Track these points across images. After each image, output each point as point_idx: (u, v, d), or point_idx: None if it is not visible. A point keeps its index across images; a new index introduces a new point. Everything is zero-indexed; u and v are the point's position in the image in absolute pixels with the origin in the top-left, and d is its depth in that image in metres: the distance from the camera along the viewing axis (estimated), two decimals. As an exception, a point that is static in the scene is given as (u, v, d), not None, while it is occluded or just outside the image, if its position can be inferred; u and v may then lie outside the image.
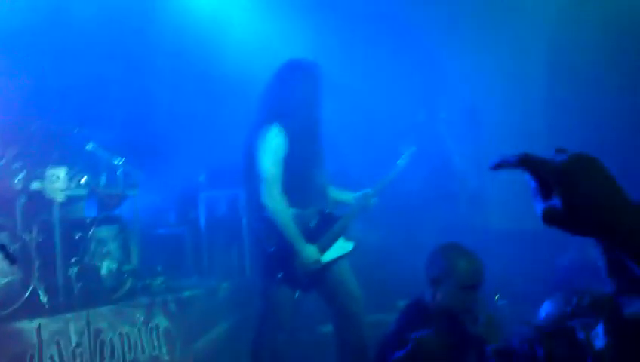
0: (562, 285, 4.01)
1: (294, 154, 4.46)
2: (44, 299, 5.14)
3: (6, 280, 4.97)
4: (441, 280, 3.30)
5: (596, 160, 1.16)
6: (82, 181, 5.74)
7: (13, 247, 5.00)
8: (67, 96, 6.57)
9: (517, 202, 6.40)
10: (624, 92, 5.76)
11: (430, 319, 3.28)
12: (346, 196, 4.88)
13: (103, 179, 5.93)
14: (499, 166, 1.21)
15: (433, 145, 5.67)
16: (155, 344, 5.43)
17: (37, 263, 5.13)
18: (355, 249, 4.69)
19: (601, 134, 5.76)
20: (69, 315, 5.02)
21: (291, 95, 4.51)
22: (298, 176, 4.49)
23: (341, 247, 4.65)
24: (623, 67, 5.79)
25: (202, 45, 7.36)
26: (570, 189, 1.14)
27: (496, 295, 5.47)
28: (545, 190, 1.17)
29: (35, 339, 4.77)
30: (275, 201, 4.39)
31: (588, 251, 3.73)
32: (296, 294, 4.53)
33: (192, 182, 7.01)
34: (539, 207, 1.17)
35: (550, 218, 1.15)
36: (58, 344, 4.86)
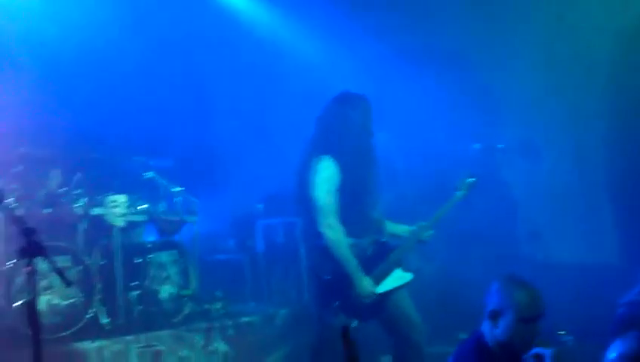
0: (624, 322, 3.91)
1: (347, 184, 4.51)
2: (104, 321, 5.26)
3: (68, 302, 5.10)
4: (501, 312, 3.25)
5: None
6: (142, 207, 5.87)
7: (75, 270, 5.14)
8: (127, 124, 6.72)
9: (577, 235, 6.36)
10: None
11: (490, 355, 3.25)
12: (402, 229, 4.88)
13: (162, 206, 6.05)
14: None
15: (490, 177, 5.63)
16: (215, 369, 5.49)
17: (98, 286, 5.26)
18: (412, 280, 4.68)
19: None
20: (129, 337, 5.12)
21: (343, 126, 4.58)
22: (352, 205, 4.53)
23: (399, 278, 4.65)
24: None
25: (261, 72, 7.47)
26: None
27: (561, 331, 5.38)
28: None
29: (95, 360, 4.86)
30: (333, 230, 4.43)
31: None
32: (354, 323, 4.52)
33: (249, 210, 7.09)
34: None
35: None
36: (116, 363, 4.95)
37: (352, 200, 4.53)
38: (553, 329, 5.22)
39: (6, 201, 4.19)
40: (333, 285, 4.50)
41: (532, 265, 5.03)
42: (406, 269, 4.71)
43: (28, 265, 3.04)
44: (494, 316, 3.25)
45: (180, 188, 6.10)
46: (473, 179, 4.91)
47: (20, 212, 4.82)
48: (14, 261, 4.85)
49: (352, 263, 4.43)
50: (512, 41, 6.83)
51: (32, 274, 3.03)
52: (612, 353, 2.00)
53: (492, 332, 3.27)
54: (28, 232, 3.10)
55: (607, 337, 3.84)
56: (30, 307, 3.01)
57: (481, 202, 5.76)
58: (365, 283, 4.46)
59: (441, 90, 6.82)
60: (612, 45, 6.44)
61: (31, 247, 3.05)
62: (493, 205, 6.28)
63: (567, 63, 6.55)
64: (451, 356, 3.39)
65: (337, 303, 4.50)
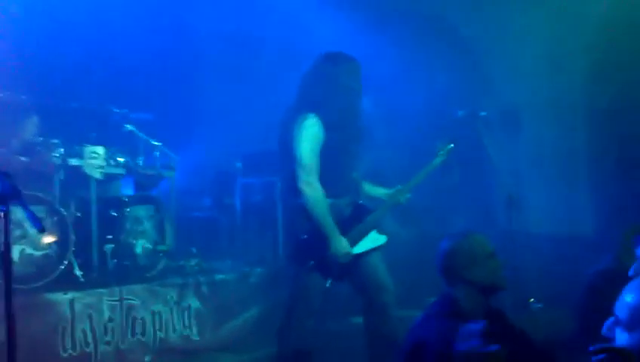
0: (593, 291, 3.96)
1: (331, 144, 4.49)
2: (78, 273, 5.24)
3: (42, 253, 5.06)
4: (472, 259, 3.25)
5: None
6: (120, 160, 5.82)
7: (50, 221, 5.09)
8: (108, 77, 6.65)
9: (553, 206, 6.41)
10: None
11: (460, 312, 3.26)
12: (380, 191, 4.90)
13: (140, 160, 6.01)
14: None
15: (470, 144, 5.63)
16: (186, 323, 5.50)
17: (73, 238, 5.21)
18: (387, 243, 4.70)
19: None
20: (102, 290, 5.10)
21: (331, 86, 4.55)
22: (333, 166, 4.52)
23: (374, 239, 4.66)
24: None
25: (243, 30, 7.40)
26: None
27: (530, 298, 5.46)
28: None
29: (68, 312, 4.85)
30: (312, 188, 4.42)
31: (624, 259, 3.69)
32: (328, 283, 4.55)
33: (228, 168, 7.06)
34: None
35: None
36: (90, 317, 4.94)
37: (334, 160, 4.52)
38: (525, 297, 5.31)
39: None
40: (309, 244, 4.51)
41: (508, 233, 5.05)
42: (381, 232, 4.72)
43: (3, 209, 3.00)
44: (468, 267, 3.24)
45: (159, 143, 6.07)
46: (451, 145, 4.92)
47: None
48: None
49: (328, 222, 4.43)
50: (498, 9, 6.80)
51: (7, 219, 3.00)
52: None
53: (462, 286, 3.26)
54: (2, 176, 3.06)
55: (575, 305, 3.90)
56: (5, 254, 2.98)
57: (459, 169, 5.79)
58: (341, 243, 4.47)
59: (425, 57, 6.79)
60: (596, 27, 6.44)
61: (5, 191, 3.02)
62: (472, 172, 6.30)
63: (554, 35, 6.54)
64: (419, 319, 3.40)
65: (312, 262, 4.52)
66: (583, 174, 6.47)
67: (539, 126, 6.64)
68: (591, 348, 1.81)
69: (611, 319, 2.06)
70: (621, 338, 1.75)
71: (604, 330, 1.90)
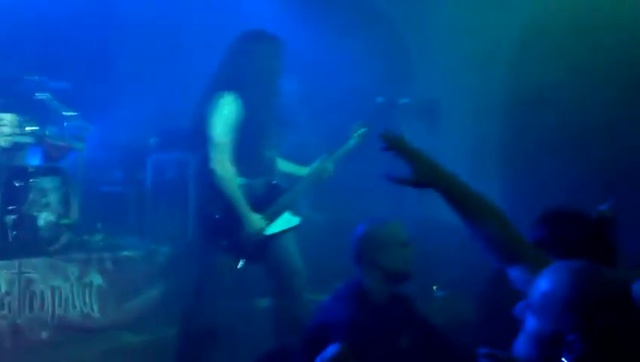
0: (496, 279, 4.03)
1: (247, 124, 4.44)
2: (-23, 244, 5.02)
3: (-64, 220, 4.82)
4: (385, 246, 3.28)
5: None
6: (29, 129, 5.60)
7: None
8: (19, 43, 6.40)
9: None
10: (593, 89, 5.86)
11: (367, 299, 3.27)
12: (297, 169, 4.88)
13: (50, 130, 5.78)
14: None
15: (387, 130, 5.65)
16: (87, 300, 5.33)
17: (-28, 207, 5.00)
18: (300, 225, 4.67)
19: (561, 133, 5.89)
20: (0, 262, 4.89)
21: (252, 65, 4.49)
22: (249, 146, 4.47)
23: (287, 221, 4.63)
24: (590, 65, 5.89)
25: (166, 4, 7.24)
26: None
27: (434, 285, 5.54)
28: None
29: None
30: (224, 168, 4.35)
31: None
32: (240, 263, 4.49)
33: (142, 143, 6.88)
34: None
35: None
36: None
37: (249, 139, 4.47)
38: (431, 284, 5.39)
39: None
40: (222, 224, 4.45)
41: (418, 222, 5.10)
42: (295, 214, 4.69)
43: None
44: (378, 252, 3.27)
45: (73, 113, 5.86)
46: (365, 129, 4.93)
47: None
48: None
49: (240, 201, 4.38)
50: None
51: None
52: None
53: (380, 270, 3.28)
54: None
55: (478, 293, 3.96)
56: None
57: (374, 155, 5.79)
58: (253, 220, 4.42)
59: (350, 41, 6.78)
60: (523, 22, 6.58)
61: None
62: (386, 160, 6.32)
63: (481, 27, 6.63)
64: (326, 302, 3.40)
65: (225, 242, 4.45)
66: (497, 165, 6.61)
67: (458, 117, 6.73)
68: (480, 351, 1.84)
69: (524, 301, 2.09)
70: (530, 322, 1.77)
71: (516, 311, 1.92)
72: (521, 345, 1.75)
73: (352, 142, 4.92)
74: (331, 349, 2.53)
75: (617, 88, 5.81)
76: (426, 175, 2.14)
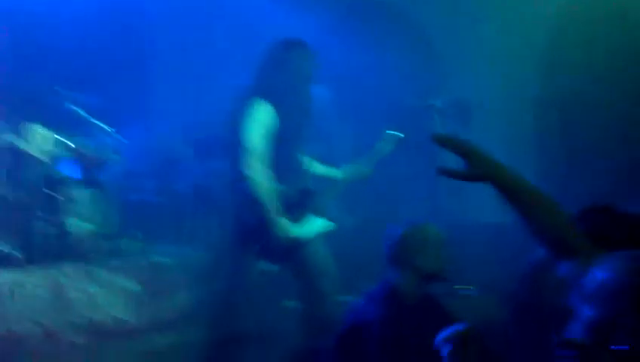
0: (528, 279, 4.03)
1: (280, 130, 4.48)
2: (17, 254, 5.13)
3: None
4: (423, 247, 3.33)
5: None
6: (65, 142, 5.73)
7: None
8: (53, 57, 6.54)
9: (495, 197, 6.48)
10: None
11: (399, 299, 3.30)
12: (331, 172, 4.92)
13: (86, 142, 5.92)
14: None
15: (422, 134, 5.65)
16: (122, 307, 5.42)
17: (13, 218, 5.11)
18: (331, 230, 4.70)
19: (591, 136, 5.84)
20: (38, 271, 5.01)
21: (283, 72, 4.53)
22: (282, 152, 4.52)
23: (319, 225, 4.66)
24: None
25: (195, 14, 7.34)
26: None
27: (464, 286, 5.53)
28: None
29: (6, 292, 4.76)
30: (256, 173, 4.40)
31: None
32: (272, 268, 4.54)
33: (176, 153, 6.99)
34: None
35: None
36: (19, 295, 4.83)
37: (282, 146, 4.51)
38: (464, 285, 5.38)
39: None
40: (254, 229, 4.49)
41: (451, 222, 5.10)
42: (327, 218, 4.73)
43: None
44: (413, 256, 3.31)
45: (106, 126, 5.99)
46: (401, 135, 4.94)
47: None
48: None
49: (271, 206, 4.41)
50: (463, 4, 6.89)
51: None
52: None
53: (407, 272, 3.31)
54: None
55: (508, 292, 3.96)
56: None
57: (408, 158, 5.81)
58: (283, 225, 4.45)
59: (381, 46, 6.81)
60: (552, 22, 6.54)
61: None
62: (421, 162, 6.31)
63: (510, 28, 6.61)
64: (359, 303, 3.43)
65: (257, 247, 4.50)
66: (528, 166, 6.57)
67: (489, 117, 6.72)
68: (557, 340, 1.88)
69: (576, 292, 2.12)
70: (585, 311, 1.81)
71: (569, 301, 1.95)
72: (576, 333, 1.78)
73: (387, 147, 4.93)
74: (456, 328, 2.52)
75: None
76: (483, 168, 2.10)
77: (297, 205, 4.62)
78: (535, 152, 6.72)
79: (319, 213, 4.68)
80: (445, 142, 2.13)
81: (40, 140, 5.46)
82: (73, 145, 5.77)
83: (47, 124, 5.58)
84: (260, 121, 4.44)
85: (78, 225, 5.48)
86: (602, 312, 1.73)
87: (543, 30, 6.64)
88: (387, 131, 4.95)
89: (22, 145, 5.40)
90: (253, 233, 4.51)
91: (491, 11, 6.74)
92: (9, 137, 5.30)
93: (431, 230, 3.48)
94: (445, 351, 2.43)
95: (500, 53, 6.75)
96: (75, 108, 5.85)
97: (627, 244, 2.48)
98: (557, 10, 6.54)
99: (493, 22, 6.74)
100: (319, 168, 4.88)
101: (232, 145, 4.57)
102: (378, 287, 3.46)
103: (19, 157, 5.41)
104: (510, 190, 2.09)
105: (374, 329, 3.18)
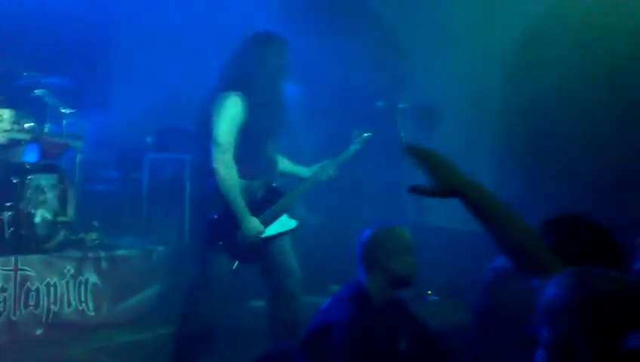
0: (489, 285, 4.07)
1: (251, 125, 4.43)
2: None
3: None
4: (393, 251, 3.31)
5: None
6: (26, 125, 5.60)
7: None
8: (16, 38, 6.40)
9: (459, 203, 6.54)
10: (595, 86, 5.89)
11: (368, 302, 3.29)
12: (300, 169, 4.89)
13: (48, 127, 5.80)
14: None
15: (387, 135, 5.69)
16: (82, 298, 5.34)
17: (-31, 203, 5.00)
18: (297, 227, 4.69)
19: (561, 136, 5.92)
20: (-1, 260, 4.91)
21: (256, 65, 4.48)
22: (250, 147, 4.47)
23: (284, 223, 4.63)
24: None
25: (167, 6, 7.26)
26: None
27: (429, 291, 5.58)
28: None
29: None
30: (226, 168, 4.35)
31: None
32: (235, 264, 4.49)
33: (138, 142, 6.90)
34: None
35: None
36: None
37: (252, 141, 4.45)
38: (424, 289, 5.43)
39: None
40: (218, 224, 4.44)
41: (413, 225, 5.14)
42: (292, 216, 4.71)
43: None
44: (385, 259, 3.30)
45: (70, 110, 5.87)
46: (369, 134, 4.94)
47: None
48: None
49: (239, 202, 4.37)
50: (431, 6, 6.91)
51: None
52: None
53: (376, 275, 3.31)
54: None
55: (470, 300, 4.00)
56: None
57: (373, 159, 5.83)
58: (252, 223, 4.41)
59: (348, 46, 6.81)
60: (521, 29, 6.61)
61: None
62: (385, 164, 6.35)
63: (478, 33, 6.66)
64: (326, 304, 3.42)
65: (221, 243, 4.45)
66: (489, 172, 6.65)
67: (453, 122, 6.76)
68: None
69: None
70: (542, 332, 1.79)
71: (532, 327, 1.95)
72: (539, 358, 1.76)
73: (355, 147, 4.92)
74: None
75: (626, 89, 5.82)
76: (450, 184, 2.08)
77: (263, 202, 4.59)
78: (495, 158, 6.79)
79: (285, 210, 4.66)
80: (416, 153, 2.11)
81: (2, 123, 5.33)
82: (35, 129, 5.65)
83: (9, 106, 5.45)
84: (232, 115, 4.38)
85: (36, 212, 5.36)
86: (554, 333, 1.72)
87: (514, 36, 6.67)
88: (355, 131, 4.95)
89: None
90: (216, 228, 4.46)
91: (463, 14, 6.77)
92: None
93: (400, 233, 3.46)
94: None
95: (468, 57, 6.78)
96: (38, 91, 5.72)
97: (592, 256, 2.51)
98: (531, 16, 6.58)
99: (461, 22, 6.77)
100: (287, 165, 4.86)
101: (201, 137, 4.51)
102: (345, 288, 3.45)
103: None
104: (477, 205, 2.08)
105: (341, 331, 3.18)
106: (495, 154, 6.83)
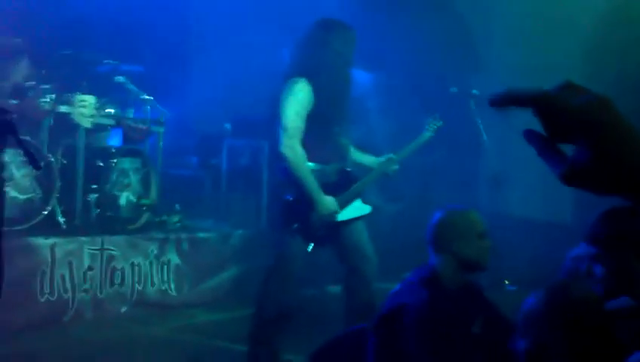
0: (570, 275, 4.02)
1: (319, 110, 4.48)
2: (61, 219, 5.25)
3: (26, 196, 5.07)
4: (463, 235, 3.30)
5: (611, 101, 0.95)
6: (110, 111, 5.81)
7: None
8: (102, 28, 6.61)
9: (536, 190, 6.47)
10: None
11: (444, 288, 3.31)
12: (368, 159, 4.90)
13: (130, 112, 6.00)
14: (503, 101, 0.98)
15: (461, 122, 5.65)
16: (165, 279, 5.53)
17: (58, 185, 5.22)
18: (371, 213, 4.71)
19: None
20: (84, 238, 5.13)
21: (322, 52, 4.53)
22: (320, 132, 4.51)
23: (358, 208, 4.66)
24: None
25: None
26: (601, 139, 0.92)
27: (506, 280, 5.52)
28: (559, 139, 0.96)
29: (48, 257, 4.87)
30: (294, 152, 4.41)
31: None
32: (310, 247, 4.55)
33: (217, 129, 7.05)
34: (554, 163, 0.96)
35: (574, 175, 0.94)
36: (70, 264, 4.97)
37: (322, 126, 4.50)
38: (501, 278, 5.38)
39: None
40: (293, 207, 4.50)
41: (490, 213, 5.10)
42: (365, 202, 4.74)
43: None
44: (456, 241, 3.29)
45: (150, 97, 6.05)
46: (441, 123, 4.93)
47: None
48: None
49: (312, 183, 4.41)
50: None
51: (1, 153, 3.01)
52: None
53: (446, 258, 3.31)
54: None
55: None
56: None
57: (447, 146, 5.81)
58: (326, 201, 4.45)
59: (421, 33, 6.78)
60: (596, 11, 6.46)
61: (1, 125, 3.01)
62: (459, 151, 6.32)
63: (552, 17, 6.54)
64: (398, 287, 3.44)
65: (296, 225, 4.52)
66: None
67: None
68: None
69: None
70: (520, 344, 1.84)
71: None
72: None
73: (427, 135, 4.92)
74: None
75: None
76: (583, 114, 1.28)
77: (337, 186, 4.63)
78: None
79: (359, 196, 4.69)
80: (508, 99, 1.33)
81: (85, 107, 5.54)
82: (118, 115, 5.85)
83: (94, 92, 5.66)
84: (298, 100, 4.43)
85: (121, 195, 5.58)
86: (527, 343, 1.76)
87: (589, 17, 6.50)
88: (428, 119, 4.95)
89: (67, 110, 5.49)
90: (291, 211, 4.53)
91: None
92: (55, 102, 5.39)
93: (473, 216, 3.45)
94: None
95: (542, 41, 6.65)
96: (120, 78, 5.91)
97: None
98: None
99: (537, 9, 6.65)
100: (357, 155, 4.88)
101: (273, 123, 4.59)
102: (417, 271, 3.47)
103: (63, 122, 5.52)
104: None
105: (414, 312, 3.20)
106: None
